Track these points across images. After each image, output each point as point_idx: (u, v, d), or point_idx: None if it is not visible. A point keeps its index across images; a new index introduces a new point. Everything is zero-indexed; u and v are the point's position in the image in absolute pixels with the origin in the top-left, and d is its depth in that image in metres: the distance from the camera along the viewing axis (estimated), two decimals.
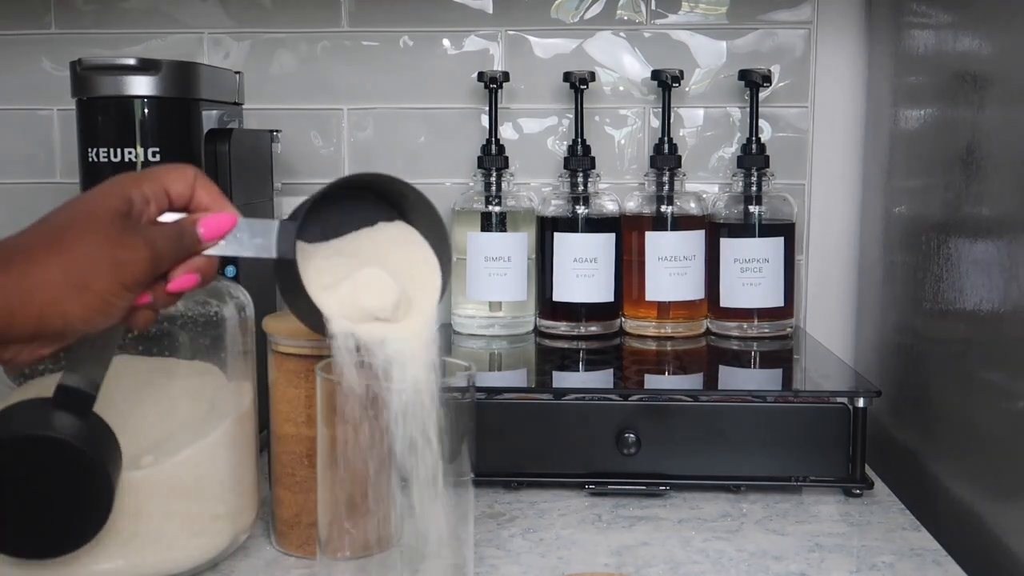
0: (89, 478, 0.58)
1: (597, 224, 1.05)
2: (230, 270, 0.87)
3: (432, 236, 0.62)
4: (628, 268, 1.06)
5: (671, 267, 1.04)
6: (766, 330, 1.05)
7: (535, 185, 1.13)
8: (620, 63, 1.12)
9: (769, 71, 1.06)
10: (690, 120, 1.13)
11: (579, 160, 1.06)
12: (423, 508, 0.57)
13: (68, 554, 0.59)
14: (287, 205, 1.05)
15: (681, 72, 1.05)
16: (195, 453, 0.67)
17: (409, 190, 0.61)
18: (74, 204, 0.54)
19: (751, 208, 1.05)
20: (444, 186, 1.13)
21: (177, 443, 0.67)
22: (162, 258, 0.54)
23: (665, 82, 1.05)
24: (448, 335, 1.07)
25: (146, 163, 0.80)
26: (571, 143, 1.07)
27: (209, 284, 0.58)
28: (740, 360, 1.01)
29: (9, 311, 0.49)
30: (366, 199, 0.62)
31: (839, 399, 0.82)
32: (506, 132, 1.12)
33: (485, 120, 1.10)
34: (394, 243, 0.61)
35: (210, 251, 0.56)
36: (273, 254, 0.57)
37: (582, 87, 1.06)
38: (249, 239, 0.57)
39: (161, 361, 0.68)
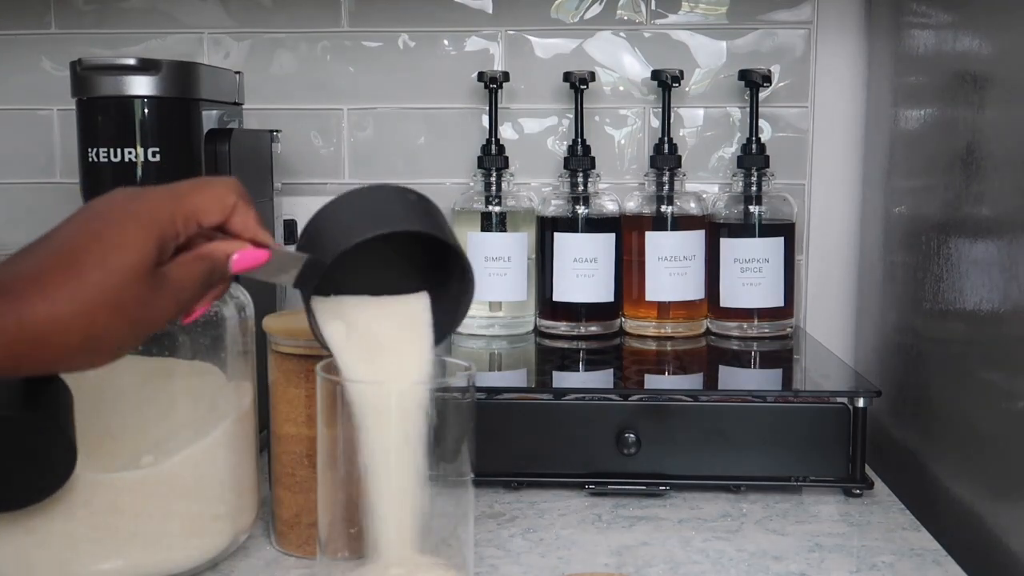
0: (46, 441, 0.56)
1: (597, 224, 1.05)
2: None
3: (455, 292, 0.60)
4: (628, 268, 1.06)
5: (671, 267, 1.04)
6: (766, 330, 1.05)
7: (535, 185, 1.13)
8: (620, 63, 1.12)
9: (769, 71, 1.06)
10: (690, 120, 1.13)
11: (579, 160, 1.06)
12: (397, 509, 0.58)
13: (36, 503, 0.58)
14: (287, 205, 1.05)
15: (681, 72, 1.05)
16: (195, 453, 0.67)
17: (449, 247, 0.59)
18: (98, 227, 0.49)
19: (751, 208, 1.05)
20: (444, 186, 1.13)
21: (177, 443, 0.66)
22: (185, 306, 0.52)
23: (665, 82, 1.05)
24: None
25: (146, 163, 0.80)
26: (571, 143, 1.07)
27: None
28: (740, 360, 1.01)
29: (15, 359, 0.46)
30: (397, 242, 0.59)
31: (839, 399, 0.82)
32: (506, 132, 1.12)
33: (485, 120, 1.10)
34: (401, 324, 0.61)
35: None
36: (291, 285, 0.56)
37: (582, 87, 1.06)
38: (275, 271, 0.55)
39: (161, 361, 0.68)
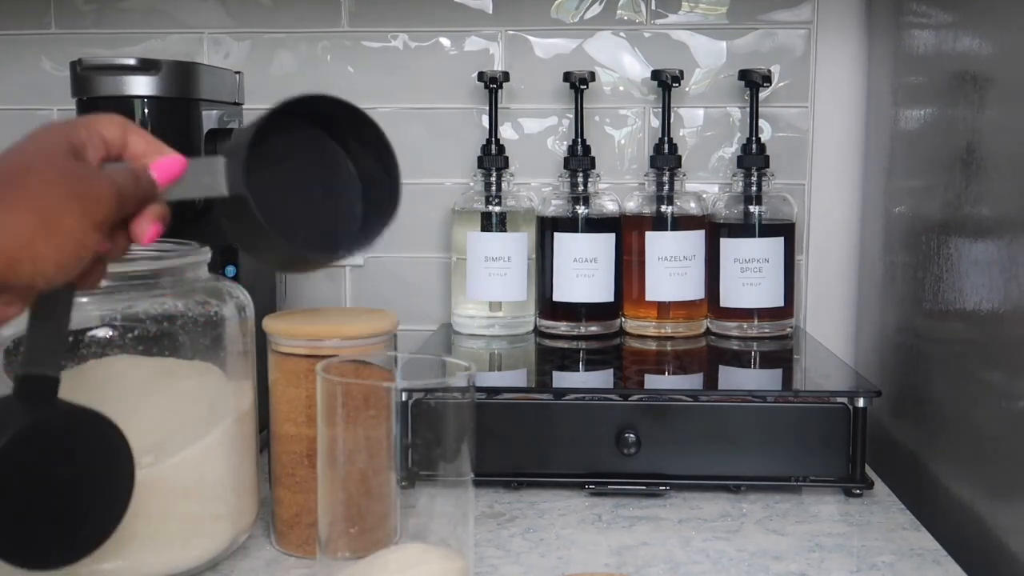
0: (105, 455, 0.54)
1: (597, 224, 1.05)
2: (230, 270, 0.87)
3: (376, 158, 0.61)
4: (628, 268, 1.06)
5: (671, 267, 1.04)
6: (766, 330, 1.05)
7: (535, 185, 1.13)
8: (620, 63, 1.12)
9: (769, 71, 1.06)
10: (690, 120, 1.13)
11: (579, 160, 1.06)
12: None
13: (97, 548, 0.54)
14: None
15: (681, 72, 1.05)
16: (195, 453, 0.67)
17: (342, 108, 0.60)
18: (19, 149, 0.51)
19: (751, 208, 1.05)
20: (444, 186, 1.13)
21: (177, 443, 0.67)
22: (125, 196, 0.51)
23: (665, 82, 1.05)
24: (448, 335, 1.07)
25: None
26: (571, 143, 1.07)
27: (167, 229, 0.55)
28: (740, 360, 1.01)
29: None
30: (306, 123, 0.60)
31: (839, 399, 0.82)
32: (506, 132, 1.12)
33: (485, 120, 1.10)
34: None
35: (165, 197, 0.54)
36: (224, 192, 0.55)
37: (582, 87, 1.06)
38: (197, 180, 0.55)
39: (161, 361, 0.68)
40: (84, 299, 0.65)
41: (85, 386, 0.64)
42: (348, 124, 0.61)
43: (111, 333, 0.65)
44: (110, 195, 0.50)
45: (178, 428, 0.67)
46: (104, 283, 0.65)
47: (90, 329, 0.65)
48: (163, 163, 0.54)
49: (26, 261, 0.47)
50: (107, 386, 0.64)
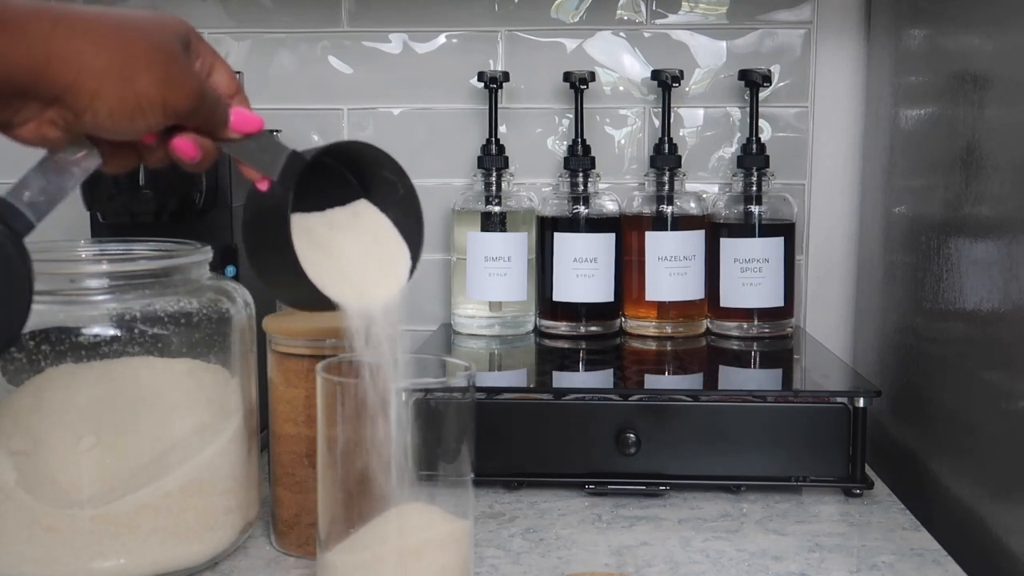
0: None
1: (597, 224, 1.05)
2: (230, 270, 0.87)
3: (410, 221, 0.62)
4: (628, 268, 1.06)
5: (671, 267, 1.04)
6: (766, 330, 1.05)
7: (535, 185, 1.13)
8: (620, 63, 1.12)
9: (769, 71, 1.06)
10: (690, 120, 1.13)
11: (579, 160, 1.06)
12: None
13: None
14: None
15: (681, 72, 1.05)
16: (211, 451, 0.68)
17: (397, 178, 0.60)
18: (142, 15, 0.52)
19: (751, 208, 1.05)
20: (444, 186, 1.13)
21: (196, 442, 0.67)
22: (201, 108, 0.52)
23: (665, 82, 1.05)
24: (448, 335, 1.07)
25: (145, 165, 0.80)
26: (571, 143, 1.07)
27: (202, 168, 0.55)
28: (740, 360, 1.01)
29: (46, 58, 0.47)
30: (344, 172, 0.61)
31: (839, 399, 0.82)
32: (506, 132, 1.12)
33: (485, 120, 1.10)
34: (372, 225, 0.61)
35: (224, 144, 0.55)
36: (275, 175, 0.55)
37: (582, 87, 1.06)
38: (259, 150, 0.55)
39: (171, 361, 0.68)
40: (100, 297, 0.66)
41: (104, 384, 0.64)
42: (375, 169, 0.61)
43: (127, 332, 0.65)
44: (192, 93, 0.51)
45: (195, 427, 0.68)
46: (115, 282, 0.66)
47: (106, 327, 0.65)
48: (244, 113, 0.55)
49: (87, 91, 0.48)
50: (124, 385, 0.65)
